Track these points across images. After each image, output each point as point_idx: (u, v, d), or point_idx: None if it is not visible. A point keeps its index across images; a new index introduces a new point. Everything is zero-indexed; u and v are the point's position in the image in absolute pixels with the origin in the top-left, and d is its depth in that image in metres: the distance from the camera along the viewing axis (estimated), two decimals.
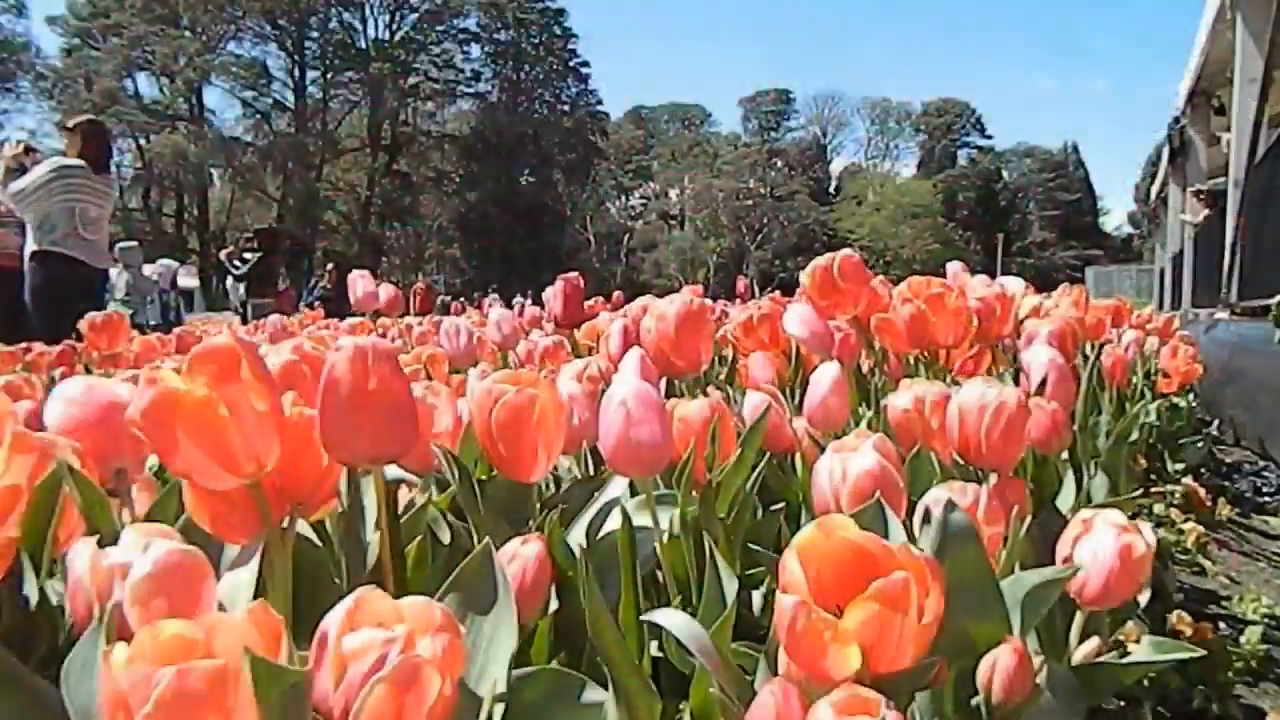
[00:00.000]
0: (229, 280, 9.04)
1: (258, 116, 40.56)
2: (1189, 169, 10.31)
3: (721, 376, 1.58)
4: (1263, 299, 5.42)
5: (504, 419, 0.71)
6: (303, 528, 0.60)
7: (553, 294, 1.39)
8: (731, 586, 0.63)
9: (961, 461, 0.85)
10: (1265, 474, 3.05)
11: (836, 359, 1.32)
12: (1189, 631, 1.02)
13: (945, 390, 0.89)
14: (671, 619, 0.52)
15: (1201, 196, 8.22)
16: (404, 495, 0.84)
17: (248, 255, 8.20)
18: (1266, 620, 1.33)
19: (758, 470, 0.84)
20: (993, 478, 0.82)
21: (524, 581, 0.62)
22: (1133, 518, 0.79)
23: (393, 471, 0.81)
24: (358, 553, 0.57)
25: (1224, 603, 1.43)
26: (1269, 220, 5.46)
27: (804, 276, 1.14)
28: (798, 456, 0.94)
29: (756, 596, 0.79)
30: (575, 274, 1.42)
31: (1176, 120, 10.47)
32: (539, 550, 0.63)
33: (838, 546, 0.49)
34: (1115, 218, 56.35)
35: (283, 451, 0.52)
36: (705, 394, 1.02)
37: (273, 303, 7.99)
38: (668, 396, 1.04)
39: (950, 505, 0.58)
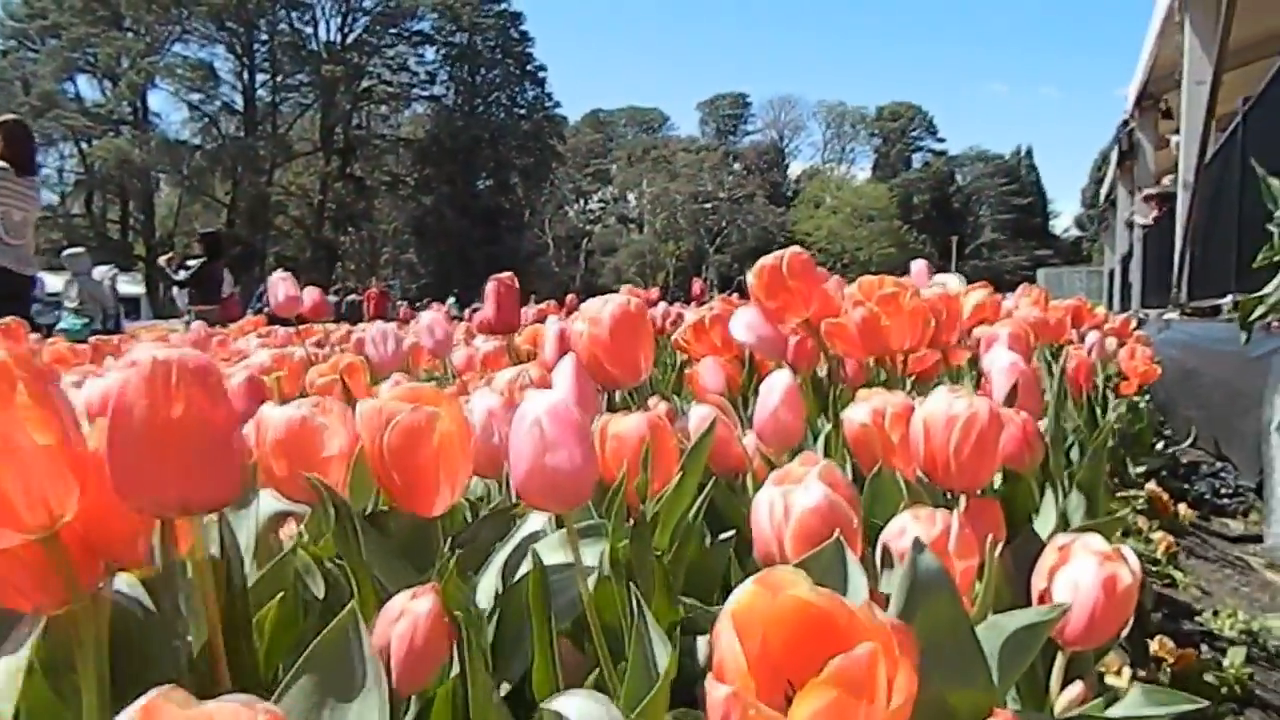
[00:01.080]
0: (174, 288, 8.75)
1: (205, 120, 39.78)
2: (1138, 171, 10.43)
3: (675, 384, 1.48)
4: (1212, 299, 5.46)
5: (398, 443, 0.60)
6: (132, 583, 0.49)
7: (485, 296, 1.28)
8: (664, 652, 0.52)
9: (927, 479, 0.76)
10: (1222, 475, 3.02)
11: (791, 365, 1.23)
12: (1172, 659, 0.94)
13: (907, 402, 0.80)
14: (578, 708, 0.41)
15: (1151, 199, 8.30)
16: (289, 532, 0.73)
17: (190, 262, 7.93)
18: (1245, 638, 1.26)
19: (704, 494, 0.74)
20: (962, 500, 0.73)
21: (413, 643, 0.51)
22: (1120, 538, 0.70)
23: (270, 505, 0.70)
24: (173, 630, 0.46)
25: (1199, 618, 1.36)
26: (1218, 221, 5.50)
27: (750, 276, 1.04)
28: (748, 477, 0.85)
29: (702, 643, 0.69)
30: (509, 274, 1.30)
31: (1125, 123, 10.59)
32: (432, 605, 0.52)
33: (786, 609, 0.39)
34: (1064, 220, 57.39)
35: (87, 495, 0.41)
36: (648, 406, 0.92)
37: (217, 310, 7.76)
38: (610, 410, 0.94)
39: (919, 545, 0.49)
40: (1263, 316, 2.00)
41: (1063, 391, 1.09)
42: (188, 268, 7.84)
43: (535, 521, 0.68)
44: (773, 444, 0.82)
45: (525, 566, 0.67)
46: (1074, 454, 1.16)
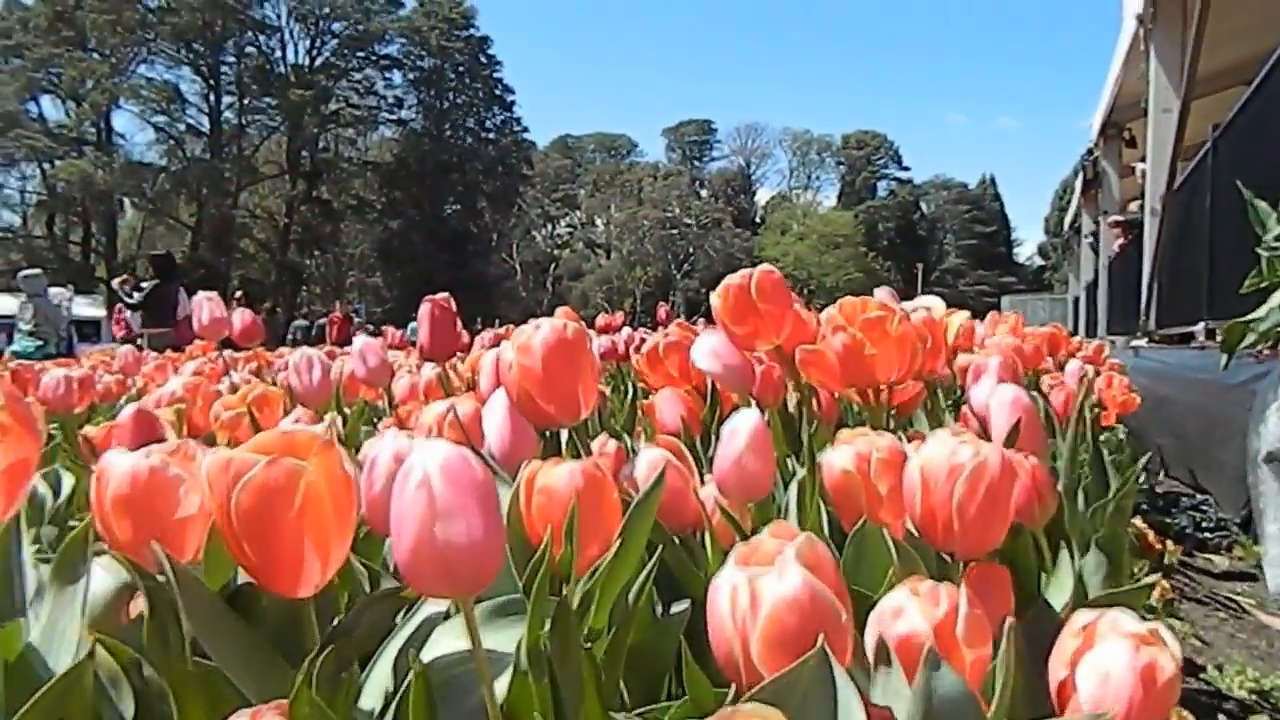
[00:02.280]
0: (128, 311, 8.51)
1: (170, 142, 39.28)
2: (1102, 199, 10.51)
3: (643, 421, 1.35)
4: (1182, 326, 5.43)
5: (250, 506, 0.46)
6: None
7: (420, 318, 1.14)
8: None
9: (919, 536, 0.63)
10: (1203, 508, 2.93)
11: (757, 399, 1.10)
12: None
13: (895, 446, 0.67)
14: None
15: (1118, 225, 8.34)
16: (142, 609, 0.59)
17: (144, 285, 7.70)
18: (1255, 696, 1.15)
19: (652, 562, 0.61)
20: (963, 565, 0.61)
21: None
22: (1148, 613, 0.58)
23: (105, 579, 0.56)
24: None
25: (1203, 675, 1.24)
26: (1187, 248, 5.48)
27: (715, 298, 0.92)
28: (707, 534, 0.71)
29: None
30: (445, 295, 1.17)
31: (1090, 152, 10.68)
32: None
33: None
34: (1028, 248, 58.18)
35: None
36: (589, 450, 0.79)
37: (170, 333, 7.54)
38: (549, 455, 0.81)
39: (933, 659, 0.36)
40: (1253, 344, 1.91)
41: (1078, 434, 0.96)
42: (141, 289, 7.61)
43: (430, 603, 0.55)
44: (736, 496, 0.68)
45: (431, 652, 0.53)
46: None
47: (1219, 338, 4.35)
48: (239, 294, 10.52)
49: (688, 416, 1.02)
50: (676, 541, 0.69)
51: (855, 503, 0.66)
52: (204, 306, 1.57)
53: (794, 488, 0.77)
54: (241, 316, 1.65)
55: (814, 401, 1.02)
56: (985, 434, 0.97)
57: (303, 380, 1.24)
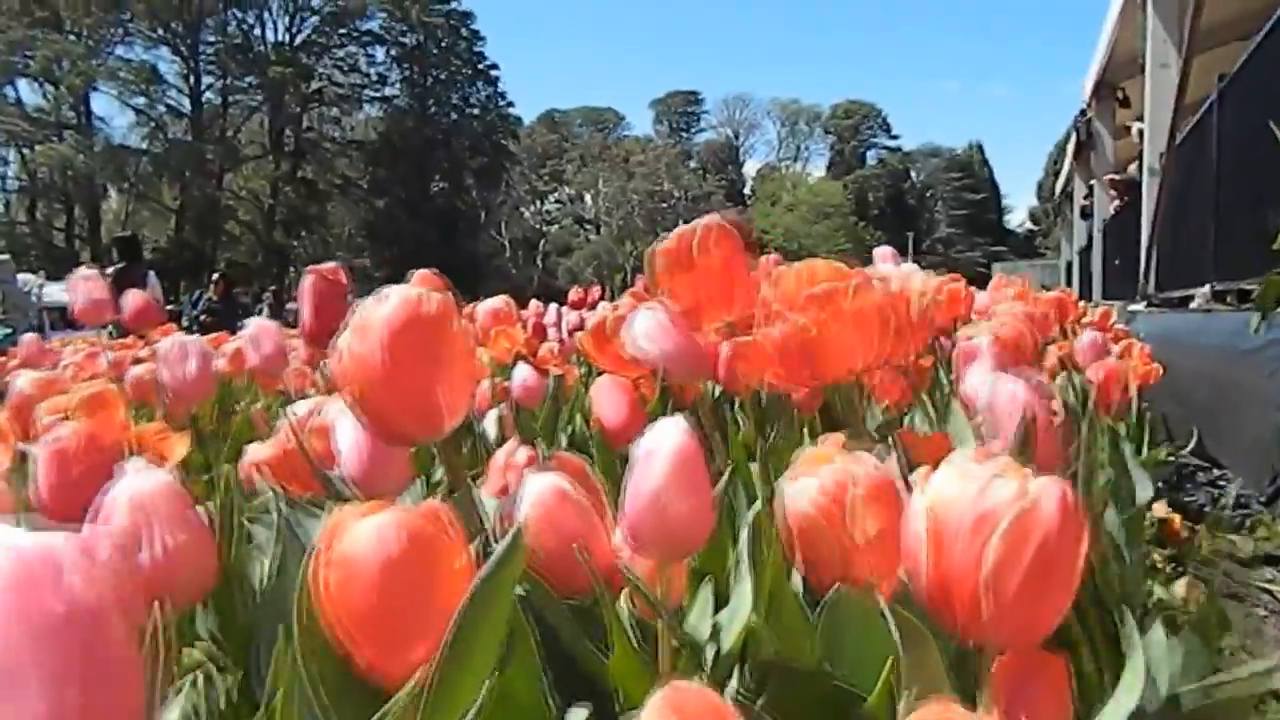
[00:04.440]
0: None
1: (151, 124, 38.70)
2: (1095, 161, 10.29)
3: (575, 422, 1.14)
4: (1184, 289, 5.23)
5: None
6: None
7: (300, 292, 0.90)
8: None
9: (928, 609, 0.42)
10: (1221, 484, 2.74)
11: (725, 387, 0.89)
12: None
13: (879, 470, 0.46)
14: None
15: (1115, 184, 8.11)
16: None
17: (109, 270, 7.46)
18: None
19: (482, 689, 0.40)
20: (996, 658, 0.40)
21: None
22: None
23: None
24: None
25: (1261, 708, 1.04)
26: (1188, 208, 5.27)
27: (648, 261, 0.70)
28: (622, 600, 0.50)
29: None
30: (333, 265, 0.94)
31: (1083, 113, 10.44)
32: None
33: None
34: (1019, 215, 57.92)
35: None
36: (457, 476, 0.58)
37: None
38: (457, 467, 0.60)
39: None
40: None
41: (1093, 429, 0.73)
42: (106, 275, 7.37)
43: None
44: (654, 549, 0.47)
45: None
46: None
47: (1229, 300, 4.16)
48: (215, 277, 10.25)
49: (630, 413, 0.80)
50: (594, 602, 0.48)
51: (827, 555, 0.45)
52: (79, 287, 1.35)
53: (744, 537, 0.55)
54: (134, 300, 1.43)
55: (786, 396, 0.81)
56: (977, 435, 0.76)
57: (174, 373, 1.02)
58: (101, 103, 38.41)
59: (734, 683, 0.51)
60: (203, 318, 9.06)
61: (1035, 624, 0.36)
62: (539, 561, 0.49)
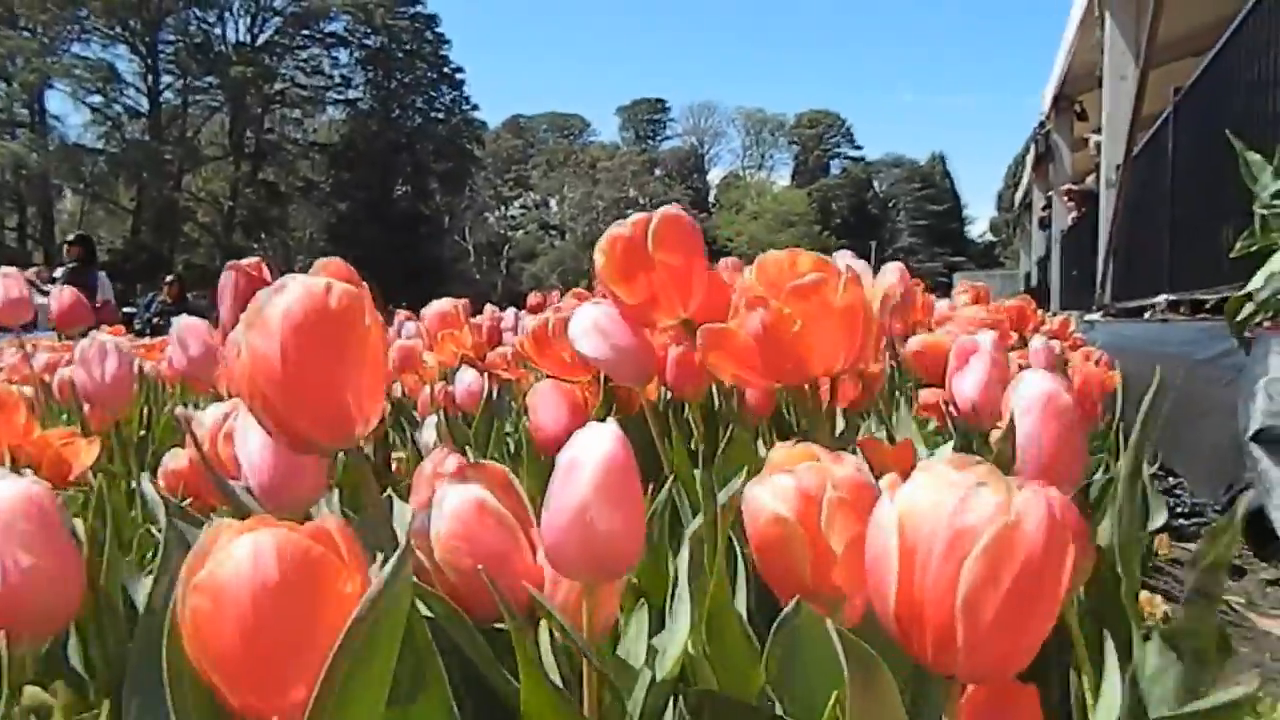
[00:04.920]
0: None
1: (108, 123, 37.96)
2: (1054, 173, 10.42)
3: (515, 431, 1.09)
4: (1140, 299, 5.28)
5: None
6: None
7: (220, 290, 0.84)
8: None
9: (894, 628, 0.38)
10: (1177, 493, 2.74)
11: (673, 391, 0.85)
12: None
13: (854, 473, 0.41)
14: None
15: (1072, 196, 8.20)
16: None
17: (57, 273, 7.28)
18: None
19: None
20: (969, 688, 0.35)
21: None
22: None
23: None
24: None
25: None
26: (1143, 219, 5.33)
27: (598, 254, 0.65)
28: (542, 629, 0.45)
29: None
30: (255, 260, 0.88)
31: (1042, 125, 10.58)
32: None
33: None
34: (980, 226, 58.70)
35: None
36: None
37: (89, 317, 7.12)
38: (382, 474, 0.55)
39: None
40: (1251, 316, 1.69)
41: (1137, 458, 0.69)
42: (55, 280, 7.19)
43: None
44: (579, 569, 0.42)
45: None
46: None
47: (1183, 310, 4.20)
48: (169, 279, 10.06)
49: (570, 419, 0.76)
50: (505, 633, 0.43)
51: (792, 570, 0.40)
52: None
53: (682, 559, 0.50)
54: (62, 298, 1.36)
55: (739, 399, 0.76)
56: (966, 444, 0.73)
57: (92, 375, 0.96)
58: (56, 101, 37.67)
59: (669, 715, 0.46)
60: (155, 320, 8.89)
61: (1013, 654, 0.32)
62: (454, 582, 0.44)
